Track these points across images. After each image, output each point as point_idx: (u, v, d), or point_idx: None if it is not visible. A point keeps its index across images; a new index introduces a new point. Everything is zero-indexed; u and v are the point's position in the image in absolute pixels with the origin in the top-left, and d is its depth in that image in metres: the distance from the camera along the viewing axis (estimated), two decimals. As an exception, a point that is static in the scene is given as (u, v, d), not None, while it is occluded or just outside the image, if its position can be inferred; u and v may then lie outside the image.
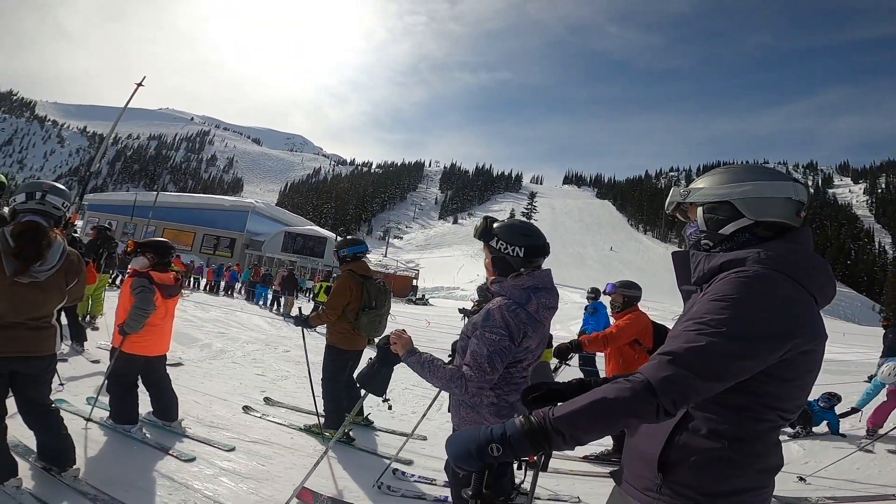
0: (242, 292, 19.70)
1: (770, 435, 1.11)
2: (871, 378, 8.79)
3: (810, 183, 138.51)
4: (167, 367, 3.56)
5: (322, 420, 3.83)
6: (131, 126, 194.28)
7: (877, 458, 4.26)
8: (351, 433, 3.68)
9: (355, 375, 2.34)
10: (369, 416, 4.12)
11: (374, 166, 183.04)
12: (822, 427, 5.04)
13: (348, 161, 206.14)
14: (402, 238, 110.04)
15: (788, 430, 4.97)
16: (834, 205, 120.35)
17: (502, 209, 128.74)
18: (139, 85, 15.84)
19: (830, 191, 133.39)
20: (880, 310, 64.58)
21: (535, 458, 1.05)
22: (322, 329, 4.09)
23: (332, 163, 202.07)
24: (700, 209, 1.21)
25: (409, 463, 3.42)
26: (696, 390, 1.01)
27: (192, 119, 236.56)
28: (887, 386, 4.91)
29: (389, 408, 3.94)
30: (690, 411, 1.10)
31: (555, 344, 3.63)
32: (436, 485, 3.09)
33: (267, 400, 4.54)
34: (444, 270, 60.46)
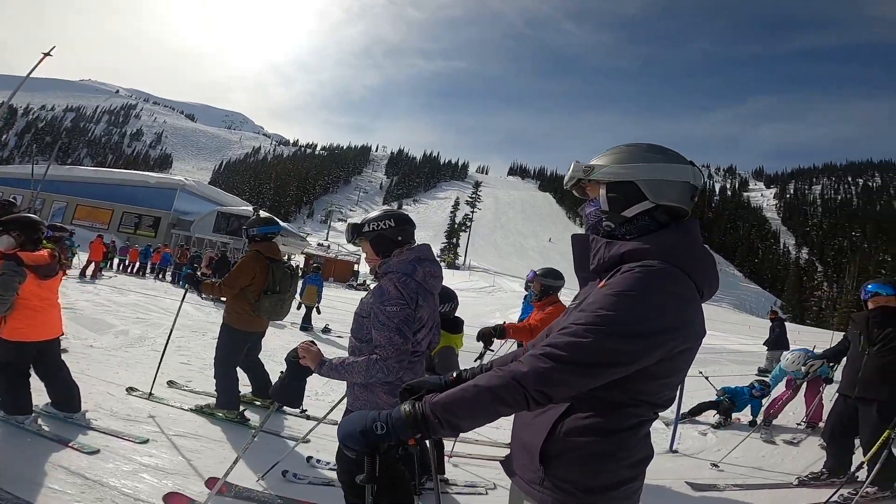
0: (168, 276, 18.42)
1: (641, 429, 1.12)
2: (760, 370, 9.70)
3: (728, 186, 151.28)
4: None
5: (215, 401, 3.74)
6: (47, 97, 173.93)
7: (779, 449, 4.66)
8: (245, 413, 3.64)
9: (270, 391, 2.33)
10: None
11: (318, 148, 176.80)
12: (746, 413, 5.42)
13: (291, 141, 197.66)
14: (345, 221, 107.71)
15: (711, 420, 5.30)
16: (747, 207, 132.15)
17: (447, 196, 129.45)
18: (46, 54, 14.15)
19: (745, 194, 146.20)
20: (781, 305, 72.11)
21: (415, 441, 1.05)
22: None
23: (274, 143, 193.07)
24: (603, 188, 1.17)
25: (306, 442, 3.38)
26: (569, 385, 1.01)
27: (118, 91, 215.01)
28: (787, 375, 5.20)
29: (307, 418, 3.82)
30: (572, 404, 1.10)
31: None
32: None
33: (170, 383, 4.35)
34: (387, 257, 59.87)
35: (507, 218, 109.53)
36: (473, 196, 75.69)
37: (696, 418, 5.35)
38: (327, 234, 67.64)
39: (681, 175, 1.13)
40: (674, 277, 1.04)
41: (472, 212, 74.39)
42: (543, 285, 3.79)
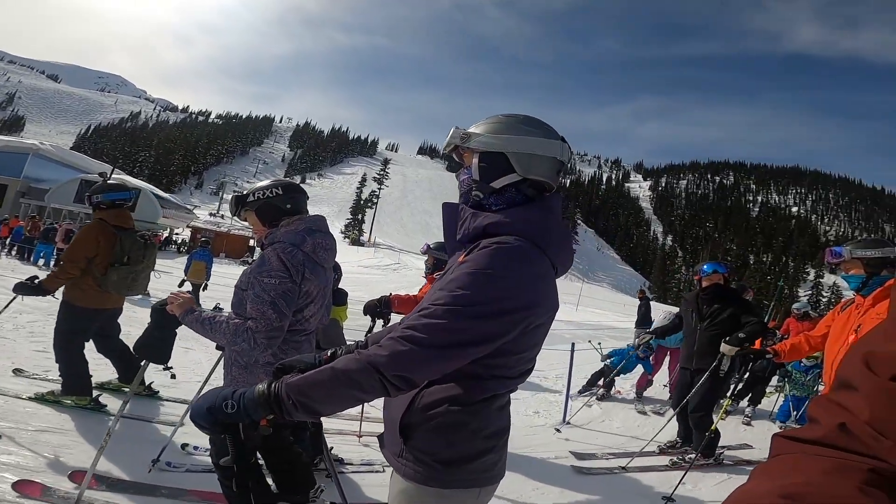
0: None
1: (496, 401, 1.12)
2: (629, 347, 11.09)
3: (613, 177, 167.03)
4: None
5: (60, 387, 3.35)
6: None
7: (649, 419, 5.08)
8: (100, 399, 3.34)
9: (133, 345, 2.10)
10: (152, 385, 3.76)
11: (212, 116, 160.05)
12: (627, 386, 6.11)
13: (180, 107, 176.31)
14: (241, 193, 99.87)
15: (595, 391, 5.77)
16: (627, 197, 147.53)
17: (354, 172, 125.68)
18: None
19: (627, 185, 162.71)
20: (649, 286, 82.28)
21: (267, 422, 1.01)
22: None
23: (159, 108, 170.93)
24: (476, 157, 1.15)
25: (181, 425, 3.14)
26: (430, 369, 1.00)
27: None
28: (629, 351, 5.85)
29: (173, 377, 3.59)
30: (445, 377, 1.08)
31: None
32: None
33: (16, 371, 3.85)
34: (288, 232, 56.88)
35: (415, 196, 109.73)
36: (382, 173, 74.40)
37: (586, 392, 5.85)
38: (219, 206, 61.97)
39: (550, 150, 1.13)
40: (529, 255, 1.04)
41: (380, 188, 73.14)
42: (437, 259, 3.74)
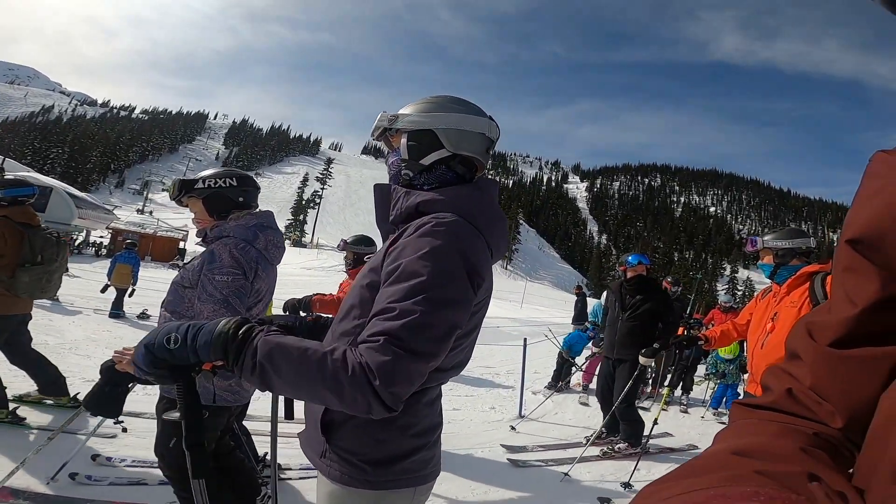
0: None
1: (426, 395, 1.06)
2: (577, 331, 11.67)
3: (553, 178, 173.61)
4: None
5: None
6: None
7: (590, 410, 5.31)
8: (18, 412, 3.05)
9: (83, 401, 1.97)
10: (77, 396, 3.46)
11: (136, 111, 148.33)
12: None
13: (99, 102, 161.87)
14: (170, 191, 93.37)
15: (568, 381, 5.98)
16: (566, 197, 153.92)
17: (295, 171, 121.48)
18: None
19: (565, 186, 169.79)
20: (586, 282, 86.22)
21: (211, 367, 0.90)
22: None
23: (75, 102, 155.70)
24: (404, 137, 1.12)
25: (112, 437, 3.02)
26: (421, 374, 0.87)
27: None
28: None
29: (124, 430, 3.27)
30: None
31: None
32: (155, 467, 2.67)
33: None
34: (223, 234, 53.81)
35: (358, 196, 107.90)
36: (325, 172, 72.28)
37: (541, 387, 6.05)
38: (142, 205, 57.38)
39: (477, 126, 1.12)
40: (467, 229, 0.99)
41: (323, 188, 71.11)
42: (356, 253, 3.68)
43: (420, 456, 1.05)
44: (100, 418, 2.23)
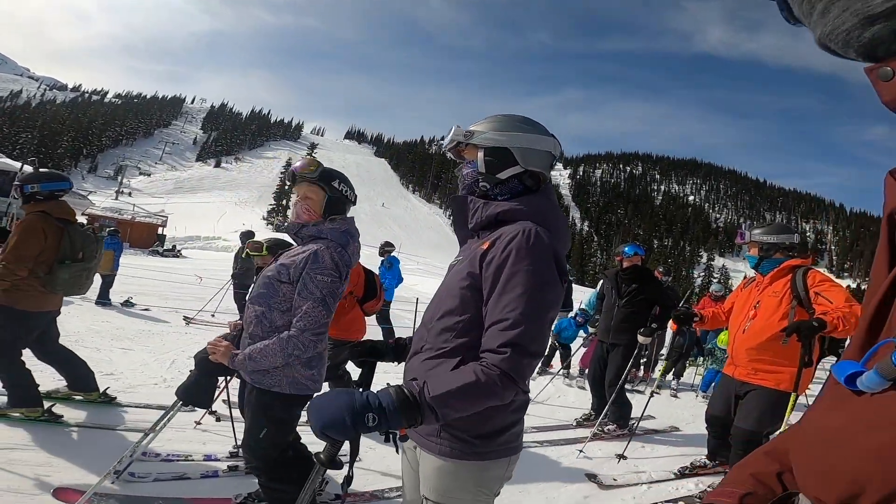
0: None
1: None
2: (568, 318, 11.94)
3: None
4: None
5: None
6: None
7: (586, 393, 5.32)
8: (54, 409, 3.06)
9: (176, 391, 2.01)
10: (107, 391, 3.49)
11: (109, 95, 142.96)
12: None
13: (70, 87, 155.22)
14: (149, 175, 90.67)
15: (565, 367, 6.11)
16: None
17: (276, 157, 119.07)
18: None
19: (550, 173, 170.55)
20: (569, 269, 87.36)
21: (406, 431, 1.08)
22: None
23: (44, 87, 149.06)
24: (481, 152, 1.25)
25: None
26: (537, 364, 1.15)
27: None
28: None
29: (218, 419, 3.28)
30: (464, 356, 1.15)
31: None
32: (193, 460, 2.80)
33: None
34: (200, 218, 52.71)
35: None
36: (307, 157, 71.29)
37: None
38: (117, 191, 55.60)
39: (546, 146, 1.28)
40: (550, 237, 1.17)
41: (305, 174, 70.26)
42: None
43: (516, 429, 1.23)
44: (183, 406, 2.26)
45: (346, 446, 1.05)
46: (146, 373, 4.29)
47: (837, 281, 2.97)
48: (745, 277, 3.64)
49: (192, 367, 2.01)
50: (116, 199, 48.88)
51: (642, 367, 6.71)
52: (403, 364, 1.37)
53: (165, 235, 35.32)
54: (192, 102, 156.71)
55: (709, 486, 3.15)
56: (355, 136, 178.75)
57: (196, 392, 1.99)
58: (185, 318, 7.47)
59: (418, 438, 1.24)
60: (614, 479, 3.19)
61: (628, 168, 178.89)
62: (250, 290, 2.13)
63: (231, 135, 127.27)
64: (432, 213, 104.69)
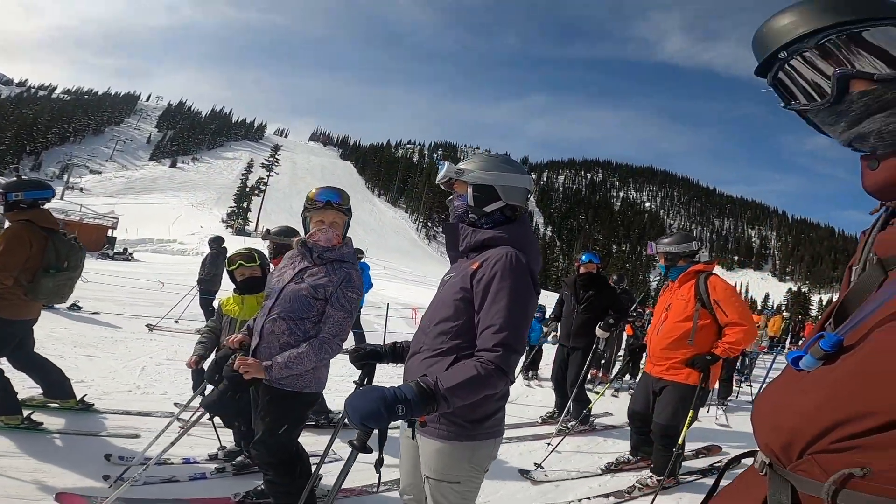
0: None
1: None
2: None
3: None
4: None
5: None
6: None
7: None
8: (33, 416, 3.05)
9: (201, 403, 2.08)
10: (84, 398, 3.46)
11: (57, 90, 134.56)
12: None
13: (15, 81, 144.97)
14: (99, 173, 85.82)
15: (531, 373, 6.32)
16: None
17: (237, 157, 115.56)
18: None
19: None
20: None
21: (425, 418, 1.34)
22: None
23: None
24: (470, 188, 1.52)
25: (135, 437, 3.09)
26: (519, 357, 1.40)
27: None
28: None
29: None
30: (458, 355, 1.39)
31: None
32: (173, 464, 2.84)
33: None
34: (154, 220, 50.31)
35: (306, 184, 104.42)
36: (271, 159, 69.33)
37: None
38: (62, 191, 52.41)
39: (524, 183, 1.55)
40: (526, 259, 1.45)
41: (269, 175, 68.27)
42: (277, 244, 3.95)
43: (499, 415, 1.50)
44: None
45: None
46: (117, 380, 4.25)
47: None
48: None
49: (217, 382, 2.12)
50: (62, 198, 46.02)
51: (601, 369, 7.08)
52: (400, 364, 1.64)
53: (116, 238, 33.62)
54: (148, 100, 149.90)
55: (638, 482, 3.25)
56: (321, 137, 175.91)
57: (226, 405, 2.10)
58: (148, 325, 7.28)
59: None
60: (546, 476, 3.30)
61: (589, 175, 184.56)
62: (259, 315, 2.21)
63: (189, 134, 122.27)
64: (398, 218, 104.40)
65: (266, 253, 3.85)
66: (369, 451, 1.27)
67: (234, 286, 3.01)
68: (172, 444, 2.37)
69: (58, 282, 3.09)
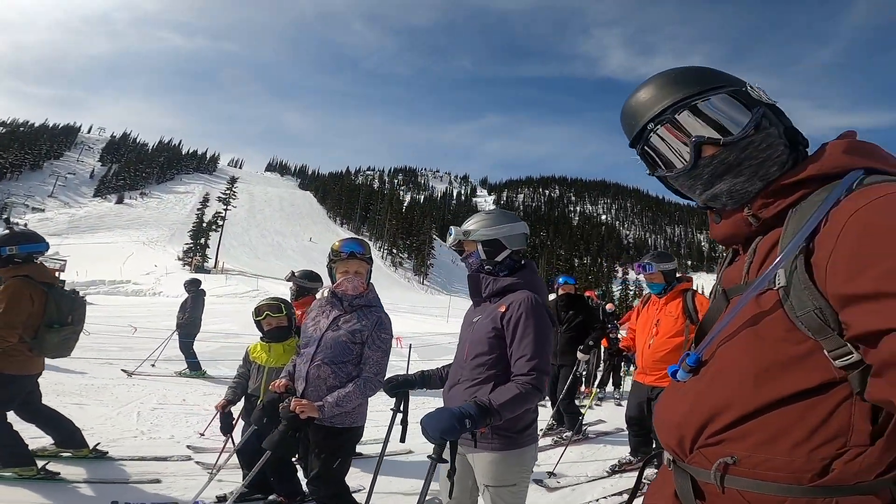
0: None
1: None
2: None
3: (462, 192, 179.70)
4: None
5: None
6: None
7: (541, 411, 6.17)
8: (48, 466, 3.01)
9: (264, 443, 2.12)
10: (98, 447, 3.40)
11: None
12: None
13: None
14: (42, 211, 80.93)
15: None
16: (475, 210, 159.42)
17: (189, 191, 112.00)
18: None
19: (474, 199, 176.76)
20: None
21: (484, 430, 1.60)
22: None
23: None
24: (479, 245, 1.81)
25: (156, 482, 3.07)
26: (548, 378, 1.71)
27: None
28: None
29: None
30: (496, 382, 1.68)
31: None
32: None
33: None
34: (103, 260, 47.68)
35: (264, 216, 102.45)
36: (228, 192, 67.47)
37: None
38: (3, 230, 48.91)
39: (521, 230, 1.86)
40: (539, 304, 1.74)
41: (226, 209, 66.38)
42: (300, 286, 4.28)
43: (535, 424, 1.81)
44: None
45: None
46: (118, 426, 4.16)
47: None
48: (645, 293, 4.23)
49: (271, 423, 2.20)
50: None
51: (584, 382, 7.42)
52: (429, 389, 2.00)
53: (65, 281, 31.60)
54: (89, 132, 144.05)
55: (646, 479, 3.58)
56: (277, 167, 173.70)
57: (287, 444, 2.17)
58: (125, 370, 7.02)
59: (470, 444, 1.66)
60: (559, 482, 3.51)
61: (547, 192, 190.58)
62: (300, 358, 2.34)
63: (135, 167, 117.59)
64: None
65: (288, 297, 4.03)
66: (445, 461, 1.49)
67: (261, 335, 3.11)
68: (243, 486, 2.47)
69: (63, 336, 3.09)
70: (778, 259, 0.71)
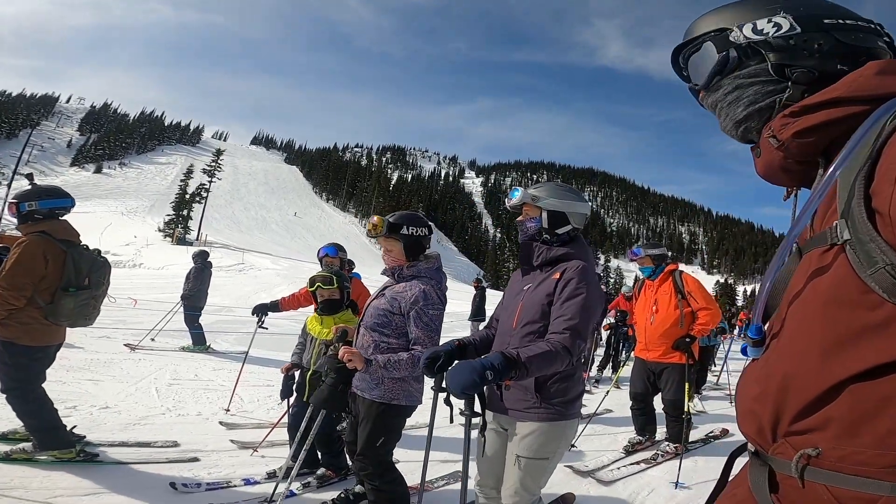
0: None
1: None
2: None
3: (451, 173, 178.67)
4: None
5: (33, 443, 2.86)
6: None
7: None
8: (87, 449, 2.91)
9: (311, 399, 2.13)
10: (86, 448, 3.09)
11: None
12: None
13: None
14: (25, 178, 77.57)
15: None
16: (463, 192, 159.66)
17: (171, 162, 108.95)
18: None
19: (462, 181, 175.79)
20: (483, 274, 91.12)
21: (510, 382, 1.63)
22: None
23: None
24: (545, 213, 1.83)
25: (194, 460, 3.06)
26: (584, 345, 1.68)
27: None
28: None
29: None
30: None
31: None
32: (232, 487, 2.77)
33: None
34: (80, 230, 45.07)
35: (248, 190, 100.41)
36: (213, 164, 65.76)
37: None
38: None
39: (587, 210, 1.90)
40: (586, 270, 1.76)
41: (210, 182, 64.78)
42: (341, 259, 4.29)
43: (582, 396, 1.85)
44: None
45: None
46: (140, 402, 4.15)
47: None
48: (636, 278, 4.89)
49: (324, 377, 2.19)
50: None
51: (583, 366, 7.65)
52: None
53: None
54: (68, 102, 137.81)
55: (659, 450, 3.88)
56: (263, 141, 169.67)
57: (336, 399, 2.14)
58: (128, 344, 6.96)
59: (518, 414, 1.74)
60: (586, 466, 3.58)
61: (535, 177, 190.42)
62: (359, 329, 2.32)
63: (115, 137, 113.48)
64: (347, 223, 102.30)
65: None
66: (477, 414, 1.52)
67: (315, 307, 3.10)
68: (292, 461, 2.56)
69: (80, 301, 2.78)
70: (807, 209, 0.64)
